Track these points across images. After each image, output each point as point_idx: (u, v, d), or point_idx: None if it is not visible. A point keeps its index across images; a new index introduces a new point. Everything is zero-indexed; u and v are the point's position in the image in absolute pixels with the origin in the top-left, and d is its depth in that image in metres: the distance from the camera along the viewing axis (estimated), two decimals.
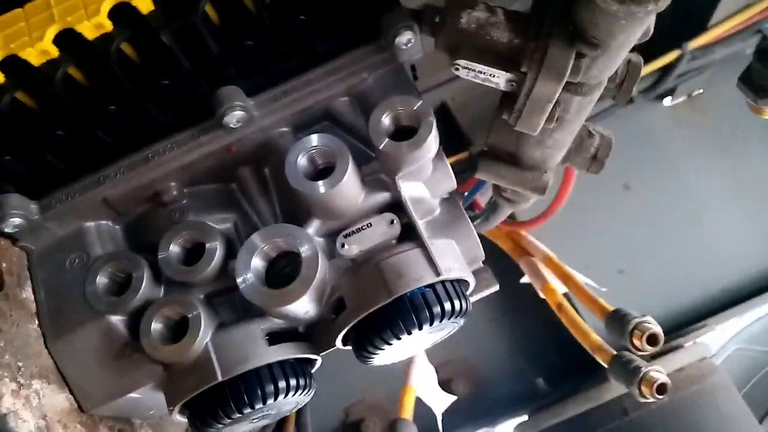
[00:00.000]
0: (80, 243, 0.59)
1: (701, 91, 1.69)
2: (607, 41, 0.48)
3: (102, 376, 0.55)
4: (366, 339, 0.56)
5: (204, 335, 0.54)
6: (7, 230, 0.55)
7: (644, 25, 0.48)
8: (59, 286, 0.58)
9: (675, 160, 1.65)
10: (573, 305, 1.03)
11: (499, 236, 1.13)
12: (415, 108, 0.52)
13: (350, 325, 0.55)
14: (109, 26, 0.51)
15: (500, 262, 1.15)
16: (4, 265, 0.56)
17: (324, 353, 0.61)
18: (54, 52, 0.51)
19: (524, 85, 0.52)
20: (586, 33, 0.48)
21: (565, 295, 1.03)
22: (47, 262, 0.59)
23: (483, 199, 0.99)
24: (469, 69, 0.54)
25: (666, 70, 1.51)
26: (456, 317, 0.57)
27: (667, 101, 1.70)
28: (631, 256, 1.53)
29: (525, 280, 1.11)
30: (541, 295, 1.03)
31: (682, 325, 1.44)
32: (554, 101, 0.53)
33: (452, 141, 1.71)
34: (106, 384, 0.55)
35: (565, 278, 0.99)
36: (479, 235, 0.97)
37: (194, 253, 0.58)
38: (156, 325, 0.55)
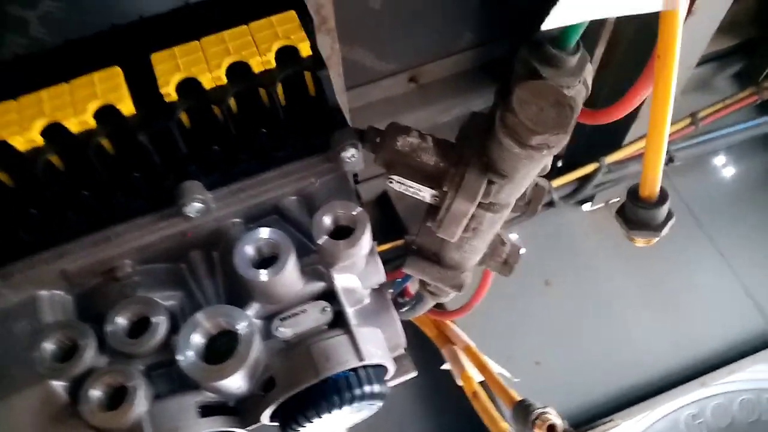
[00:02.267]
0: (32, 310, 0.63)
1: (618, 199, 1.87)
2: (512, 174, 0.58)
3: None
4: (292, 415, 0.61)
5: (140, 405, 0.59)
6: None
7: (542, 163, 0.59)
8: (6, 351, 0.61)
9: (592, 260, 1.80)
10: (491, 394, 1.11)
11: (426, 323, 1.21)
12: (353, 213, 0.61)
13: (279, 401, 0.61)
14: (92, 123, 0.58)
15: (430, 347, 1.22)
16: None
17: (251, 428, 0.66)
18: (40, 141, 0.57)
19: (445, 201, 0.62)
20: (496, 165, 0.59)
21: (483, 383, 1.11)
22: None
23: (414, 286, 1.07)
24: (401, 183, 0.64)
25: (585, 180, 1.69)
26: (374, 400, 0.64)
27: (587, 207, 1.88)
28: (549, 349, 1.64)
29: (446, 366, 1.18)
30: (459, 383, 1.10)
31: (591, 419, 1.53)
32: (469, 216, 0.62)
33: (390, 228, 1.83)
34: None
35: (482, 367, 1.07)
36: (408, 322, 1.05)
37: (139, 327, 0.63)
38: (95, 392, 0.59)
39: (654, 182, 0.57)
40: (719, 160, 1.86)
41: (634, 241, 0.61)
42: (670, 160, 1.68)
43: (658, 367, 1.61)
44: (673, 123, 1.75)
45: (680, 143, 1.69)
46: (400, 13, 1.56)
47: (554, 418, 0.81)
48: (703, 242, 1.75)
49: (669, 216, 0.59)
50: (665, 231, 0.59)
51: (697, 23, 1.33)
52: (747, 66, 1.92)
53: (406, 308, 0.98)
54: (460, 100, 1.84)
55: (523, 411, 0.85)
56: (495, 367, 1.06)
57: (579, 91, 0.60)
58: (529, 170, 0.59)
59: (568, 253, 1.78)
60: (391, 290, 1.02)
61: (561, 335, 1.65)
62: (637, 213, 0.58)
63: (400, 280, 0.98)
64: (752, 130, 1.70)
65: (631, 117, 1.58)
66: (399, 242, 1.43)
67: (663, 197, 0.58)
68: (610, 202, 1.87)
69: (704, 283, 1.71)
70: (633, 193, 0.58)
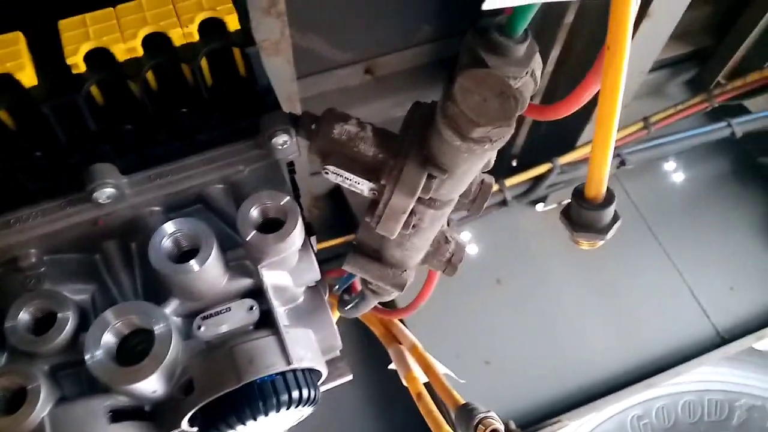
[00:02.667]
0: None
1: (569, 200, 1.87)
2: (453, 168, 0.55)
3: None
4: (212, 423, 0.57)
5: (42, 408, 0.53)
6: None
7: (485, 159, 0.56)
8: None
9: (543, 261, 1.80)
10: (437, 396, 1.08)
11: (373, 322, 1.17)
12: (282, 203, 0.56)
13: (197, 407, 0.56)
14: None
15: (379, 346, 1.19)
16: None
17: None
18: None
19: (383, 196, 0.58)
20: (436, 159, 0.55)
21: (426, 384, 1.07)
22: None
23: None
24: (337, 174, 0.60)
25: (538, 180, 1.68)
26: (304, 405, 0.59)
27: (539, 207, 1.88)
28: (498, 349, 1.63)
29: (393, 366, 1.15)
30: (404, 383, 1.07)
31: (539, 419, 1.53)
32: (408, 212, 0.59)
33: (343, 223, 1.78)
34: None
35: (427, 368, 1.04)
36: (356, 319, 1.01)
37: (44, 323, 0.57)
38: None
39: (600, 182, 0.54)
40: (669, 165, 1.88)
41: (579, 244, 0.58)
42: (621, 163, 1.69)
43: (605, 368, 1.62)
44: (625, 127, 1.76)
45: (632, 147, 1.70)
46: (356, 1, 1.52)
47: (497, 423, 0.78)
48: (653, 245, 1.77)
49: (615, 218, 0.57)
50: (611, 234, 0.57)
51: (652, 27, 1.33)
52: (699, 74, 1.95)
53: (349, 306, 0.94)
54: (416, 94, 1.78)
55: (466, 415, 0.83)
56: (441, 368, 1.04)
57: (526, 83, 0.57)
58: (470, 165, 0.55)
59: (520, 253, 1.78)
60: (337, 286, 0.98)
61: (511, 335, 1.64)
62: (581, 214, 0.56)
63: (346, 276, 0.94)
64: (702, 137, 1.72)
65: (585, 118, 1.58)
66: (351, 237, 1.39)
67: (609, 198, 0.55)
68: (563, 203, 1.86)
69: (652, 285, 1.72)
70: (578, 194, 0.55)
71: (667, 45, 1.46)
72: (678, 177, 1.89)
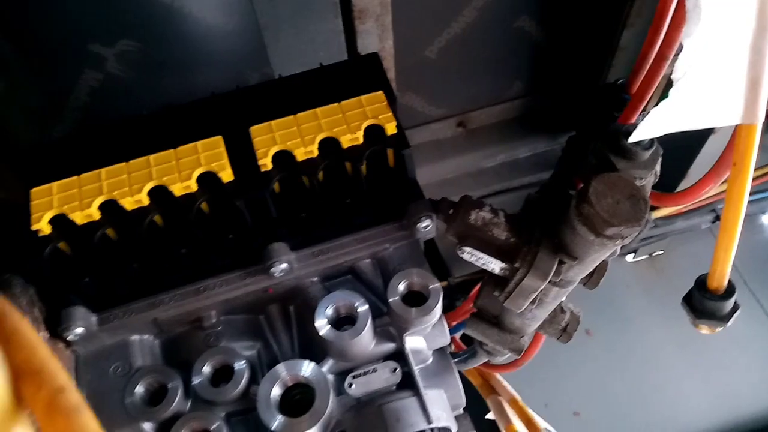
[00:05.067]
0: (124, 353, 0.68)
1: (662, 252, 1.88)
2: (583, 257, 0.62)
3: None
4: None
5: None
6: (69, 338, 0.64)
7: (612, 249, 0.62)
8: (101, 390, 0.66)
9: (634, 311, 1.81)
10: None
11: (471, 372, 1.23)
12: (430, 286, 0.64)
13: None
14: (194, 188, 0.64)
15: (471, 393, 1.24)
16: None
17: None
18: (146, 202, 0.63)
19: (516, 277, 0.65)
20: (568, 248, 0.62)
21: None
22: (92, 367, 0.67)
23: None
24: (472, 255, 0.68)
25: None
26: None
27: (630, 258, 1.89)
28: (588, 400, 1.65)
29: (490, 416, 1.20)
30: None
31: None
32: (538, 292, 0.66)
33: (432, 268, 1.85)
34: None
35: (528, 422, 1.08)
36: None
37: (222, 374, 0.67)
38: None
39: (723, 276, 0.59)
40: (766, 218, 1.86)
41: (699, 329, 0.63)
42: (716, 218, 1.68)
43: (698, 426, 1.60)
44: (723, 182, 1.75)
45: None
46: (454, 62, 1.62)
47: None
48: (749, 301, 1.74)
49: (735, 307, 0.61)
50: (731, 322, 0.62)
51: None
52: None
53: (456, 360, 1.01)
54: (505, 146, 1.87)
55: None
56: (541, 422, 1.08)
57: (649, 181, 0.63)
58: (599, 255, 0.62)
59: (609, 304, 1.79)
60: None
61: (601, 386, 1.65)
62: (704, 303, 0.61)
63: (451, 328, 1.01)
64: None
65: (680, 175, 1.60)
66: (442, 284, 1.45)
67: (730, 290, 0.60)
68: (654, 254, 1.88)
69: (748, 342, 1.69)
70: (701, 284, 0.61)
71: None
72: None
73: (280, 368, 0.65)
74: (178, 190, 0.63)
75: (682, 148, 1.49)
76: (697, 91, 0.47)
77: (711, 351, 1.72)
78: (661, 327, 1.78)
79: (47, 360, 0.26)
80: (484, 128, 1.88)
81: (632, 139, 0.49)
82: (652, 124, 0.47)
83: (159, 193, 0.64)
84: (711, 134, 1.39)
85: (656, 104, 0.51)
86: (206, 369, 0.66)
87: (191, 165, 0.64)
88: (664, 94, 0.51)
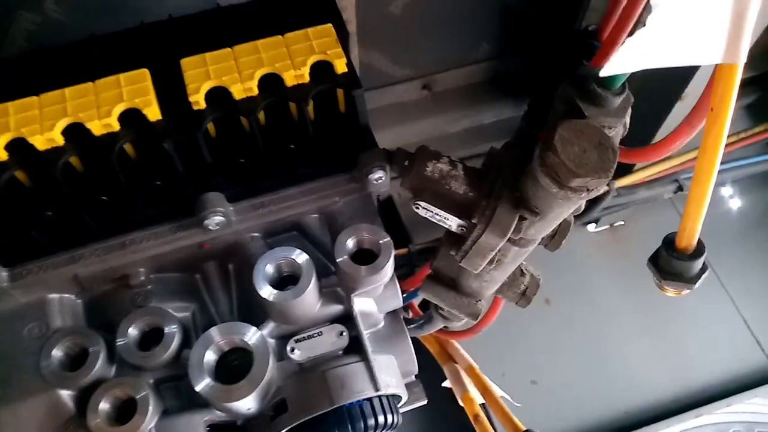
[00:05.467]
0: (41, 313, 0.61)
1: (622, 222, 1.87)
2: (545, 212, 0.57)
3: None
4: None
5: (150, 419, 0.57)
6: None
7: (577, 204, 0.58)
8: (13, 353, 0.59)
9: (594, 281, 1.80)
10: (488, 415, 1.10)
11: (428, 339, 1.19)
12: (380, 241, 0.59)
13: (289, 426, 0.60)
14: (116, 126, 0.56)
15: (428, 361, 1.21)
16: None
17: None
18: (60, 141, 0.56)
19: (473, 234, 0.60)
20: (529, 202, 0.57)
21: (482, 405, 1.09)
22: (4, 328, 0.60)
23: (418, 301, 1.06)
24: (427, 210, 0.63)
25: (593, 202, 1.67)
26: (387, 430, 0.62)
27: (591, 227, 1.87)
28: (545, 369, 1.64)
29: (446, 384, 1.17)
30: (460, 403, 1.09)
31: None
32: (496, 250, 0.61)
33: (393, 235, 1.81)
34: None
35: (484, 390, 1.05)
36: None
37: (151, 338, 0.61)
38: (104, 405, 0.57)
39: (692, 234, 0.56)
40: (726, 190, 1.86)
41: (665, 290, 0.60)
42: (679, 188, 1.67)
43: (653, 394, 1.61)
44: (685, 152, 1.75)
45: (691, 172, 1.68)
46: (419, 19, 1.55)
47: None
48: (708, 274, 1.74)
49: (704, 269, 0.58)
50: (698, 284, 0.58)
51: None
52: (760, 99, 1.92)
53: (412, 326, 0.96)
54: (471, 111, 1.82)
55: None
56: (498, 391, 1.05)
57: (618, 132, 0.59)
58: (563, 210, 0.57)
59: (569, 273, 1.77)
60: None
61: (558, 355, 1.65)
62: (671, 263, 0.57)
63: (406, 295, 0.97)
64: (761, 165, 1.70)
65: (643, 143, 1.57)
66: (402, 251, 1.41)
67: (700, 249, 0.57)
68: (615, 224, 1.86)
69: (705, 313, 1.70)
70: (669, 243, 0.57)
71: None
72: (735, 203, 1.87)
73: (214, 332, 0.59)
74: (97, 128, 0.56)
75: (647, 115, 1.46)
76: (676, 23, 0.42)
77: (668, 322, 1.73)
78: (620, 298, 1.78)
79: None
80: (450, 91, 1.82)
81: (603, 72, 0.45)
82: (626, 58, 0.42)
83: (75, 132, 0.56)
84: (678, 101, 1.36)
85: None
86: (132, 331, 0.60)
87: (112, 100, 0.56)
88: None
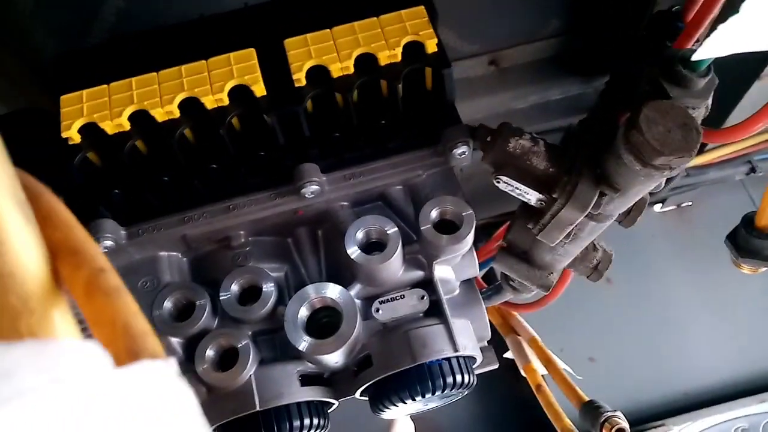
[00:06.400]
0: (152, 269, 0.68)
1: (690, 203, 1.84)
2: (626, 188, 0.59)
3: None
4: (385, 395, 0.65)
5: (250, 367, 0.63)
6: None
7: (658, 182, 0.60)
8: None
9: (658, 262, 1.78)
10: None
11: (490, 311, 1.23)
12: (463, 213, 0.63)
13: (374, 380, 0.65)
14: (226, 101, 0.62)
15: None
16: None
17: (342, 399, 0.70)
18: (177, 113, 0.61)
19: (552, 208, 0.63)
20: (610, 179, 0.59)
21: (543, 376, 1.13)
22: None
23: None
24: (509, 184, 0.66)
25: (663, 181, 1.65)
26: (463, 388, 0.67)
27: (657, 207, 1.85)
28: (604, 347, 1.65)
29: (508, 355, 1.20)
30: (522, 373, 1.12)
31: (641, 420, 1.54)
32: (575, 225, 0.64)
33: None
34: None
35: (547, 362, 1.09)
36: None
37: (249, 294, 0.67)
38: (210, 352, 0.63)
39: None
40: None
41: (741, 268, 0.61)
42: (752, 170, 1.63)
43: (714, 376, 1.60)
44: (759, 133, 1.70)
45: (763, 154, 1.63)
46: None
47: (623, 422, 0.83)
48: None
49: None
50: None
51: None
52: None
53: (481, 296, 1.00)
54: (537, 87, 1.81)
55: (592, 412, 0.87)
56: (560, 363, 1.08)
57: (701, 113, 0.60)
58: (644, 187, 0.59)
59: (633, 253, 1.76)
60: None
61: (618, 334, 1.65)
62: (749, 241, 0.59)
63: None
64: None
65: (718, 123, 1.54)
66: None
67: None
68: (682, 205, 1.83)
69: None
70: (748, 221, 0.58)
71: None
72: None
73: (309, 289, 0.64)
74: (209, 102, 0.61)
75: (724, 93, 1.43)
76: None
77: (734, 305, 1.70)
78: (683, 279, 1.76)
79: (86, 240, 0.25)
80: (517, 67, 1.82)
81: (696, 57, 0.46)
82: (719, 43, 0.44)
83: (190, 105, 0.62)
84: (756, 79, 1.32)
85: (714, 28, 0.48)
86: (234, 287, 0.66)
87: (224, 77, 0.62)
88: (719, 22, 0.47)
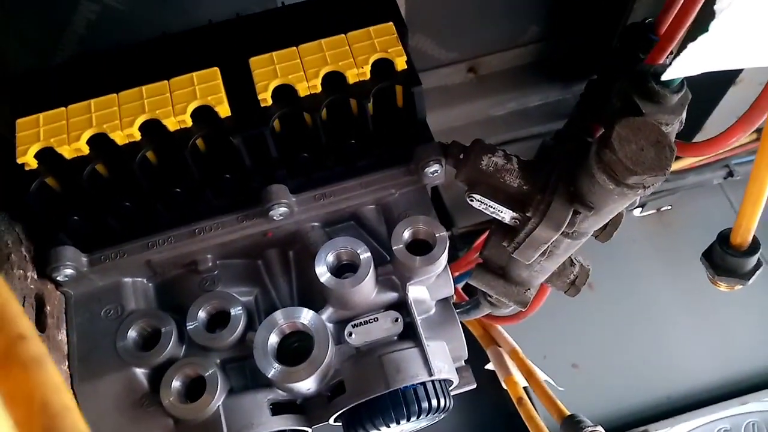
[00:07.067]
0: (116, 296, 0.65)
1: (670, 207, 1.84)
2: (600, 206, 0.58)
3: (119, 422, 0.61)
4: (359, 422, 0.63)
5: (218, 397, 0.61)
6: (58, 278, 0.62)
7: (632, 200, 0.59)
8: (92, 333, 0.64)
9: (639, 266, 1.78)
10: (530, 398, 1.12)
11: (471, 322, 1.22)
12: (436, 234, 0.61)
13: (347, 407, 0.63)
14: (189, 123, 0.60)
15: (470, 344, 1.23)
16: (48, 308, 0.62)
17: (315, 426, 0.68)
18: (138, 136, 0.59)
19: (527, 226, 0.62)
20: (584, 197, 0.58)
21: (524, 388, 1.11)
22: (83, 309, 0.65)
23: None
24: (482, 202, 0.64)
25: None
26: (440, 412, 0.65)
27: (637, 212, 1.85)
28: (587, 353, 1.64)
29: (489, 367, 1.19)
30: (504, 386, 1.11)
31: (625, 425, 1.53)
32: (550, 243, 0.62)
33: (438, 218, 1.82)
34: (121, 430, 0.61)
35: (528, 374, 1.07)
36: None
37: (218, 320, 0.65)
38: (176, 383, 0.61)
39: (748, 231, 0.56)
40: None
41: (717, 285, 0.60)
42: (729, 174, 1.64)
43: (696, 379, 1.60)
44: None
45: (741, 158, 1.64)
46: (467, 1, 1.54)
47: None
48: None
49: (758, 265, 0.58)
50: (752, 280, 0.59)
51: None
52: None
53: (458, 311, 0.98)
54: (516, 94, 1.81)
55: (573, 426, 0.86)
56: (542, 375, 1.07)
57: (674, 129, 0.59)
58: (618, 205, 0.58)
59: (613, 257, 1.76)
60: None
61: (600, 339, 1.65)
62: (725, 259, 0.58)
63: (455, 278, 0.99)
64: None
65: (694, 129, 1.54)
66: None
67: (755, 246, 0.57)
68: (662, 209, 1.84)
69: (753, 299, 1.67)
70: (723, 239, 0.57)
71: None
72: None
73: (278, 315, 0.62)
74: (172, 124, 0.59)
75: (699, 100, 1.43)
76: (741, 26, 0.42)
77: (714, 308, 1.71)
78: (664, 283, 1.76)
79: (5, 303, 0.23)
80: (496, 74, 1.81)
81: (666, 77, 0.45)
82: (689, 61, 0.43)
83: (152, 128, 0.60)
84: (731, 86, 1.33)
85: (685, 45, 0.47)
86: (201, 314, 0.64)
87: (186, 98, 0.59)
88: (694, 35, 0.46)
